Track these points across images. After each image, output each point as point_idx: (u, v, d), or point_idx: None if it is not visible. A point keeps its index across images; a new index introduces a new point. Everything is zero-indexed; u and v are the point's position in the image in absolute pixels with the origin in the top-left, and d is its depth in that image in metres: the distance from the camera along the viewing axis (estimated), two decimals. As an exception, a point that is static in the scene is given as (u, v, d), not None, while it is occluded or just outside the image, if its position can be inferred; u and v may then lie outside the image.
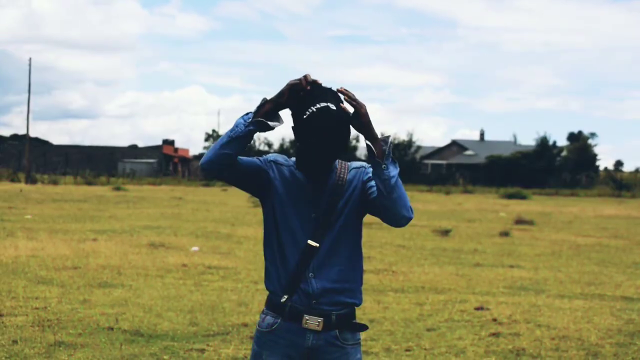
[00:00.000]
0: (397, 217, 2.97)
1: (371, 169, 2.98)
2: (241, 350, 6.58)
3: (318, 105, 2.89)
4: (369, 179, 3.06)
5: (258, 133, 2.96)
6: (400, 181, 2.93)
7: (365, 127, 2.91)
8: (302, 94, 2.93)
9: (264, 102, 2.94)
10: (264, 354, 3.07)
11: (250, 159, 3.05)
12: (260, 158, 3.10)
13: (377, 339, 7.10)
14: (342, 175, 3.07)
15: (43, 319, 7.50)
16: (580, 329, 7.68)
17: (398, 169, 2.92)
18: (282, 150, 71.11)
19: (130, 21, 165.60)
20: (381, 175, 2.90)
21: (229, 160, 2.93)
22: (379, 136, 2.93)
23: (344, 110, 2.93)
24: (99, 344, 6.65)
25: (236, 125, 2.92)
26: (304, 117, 2.90)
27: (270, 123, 2.93)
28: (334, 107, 2.91)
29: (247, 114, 2.95)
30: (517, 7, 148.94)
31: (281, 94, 2.94)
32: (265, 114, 2.93)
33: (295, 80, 2.91)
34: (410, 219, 2.99)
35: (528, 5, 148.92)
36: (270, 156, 3.12)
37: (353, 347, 3.08)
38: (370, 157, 2.93)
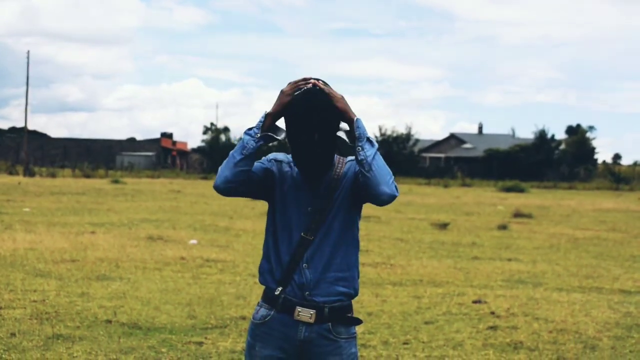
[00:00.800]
0: (376, 192, 2.99)
1: None
2: (239, 343, 6.59)
3: (303, 88, 2.99)
4: None
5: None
6: (380, 159, 2.98)
7: (341, 112, 3.00)
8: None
9: (266, 116, 3.01)
10: (257, 346, 3.09)
11: (257, 164, 3.12)
12: (262, 160, 3.15)
13: (375, 332, 7.10)
14: (338, 170, 3.11)
15: (41, 312, 7.50)
16: (578, 322, 7.70)
17: (376, 146, 2.99)
18: (280, 145, 71.06)
19: (128, 14, 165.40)
20: (358, 157, 2.98)
21: (246, 175, 3.02)
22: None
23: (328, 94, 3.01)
24: (97, 337, 6.66)
25: (246, 142, 2.99)
26: (291, 101, 3.00)
27: (277, 137, 3.04)
28: (317, 89, 2.99)
29: (250, 129, 3.02)
30: (515, 0, 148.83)
31: (281, 104, 3.01)
32: (269, 127, 3.02)
33: (290, 91, 3.01)
34: (391, 195, 3.00)
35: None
36: (270, 155, 3.17)
37: (347, 341, 3.08)
38: (345, 143, 3.03)
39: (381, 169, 2.97)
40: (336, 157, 3.16)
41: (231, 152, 3.02)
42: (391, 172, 3.02)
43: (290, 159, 3.15)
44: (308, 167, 3.06)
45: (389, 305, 8.41)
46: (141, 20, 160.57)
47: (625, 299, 9.16)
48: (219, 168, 3.05)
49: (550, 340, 6.98)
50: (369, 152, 2.96)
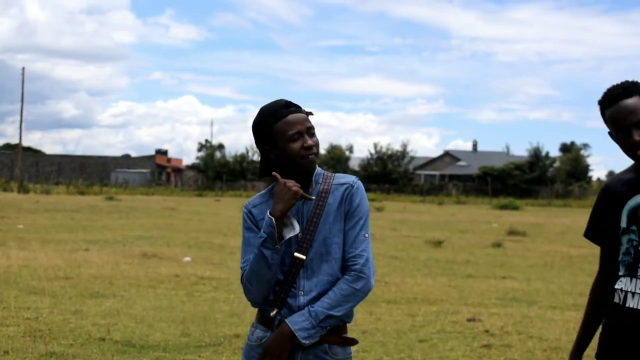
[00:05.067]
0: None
1: (356, 189, 3.02)
2: (233, 361, 6.57)
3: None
4: (351, 212, 3.01)
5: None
6: (336, 310, 2.92)
7: None
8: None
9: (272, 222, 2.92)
10: None
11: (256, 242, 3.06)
12: (248, 230, 3.07)
13: (369, 351, 7.09)
14: (326, 187, 3.05)
15: (34, 329, 7.47)
16: (573, 340, 7.66)
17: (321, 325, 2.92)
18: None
19: (123, 31, 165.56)
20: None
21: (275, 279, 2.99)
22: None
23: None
24: (90, 355, 6.63)
25: (271, 259, 2.91)
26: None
27: (292, 235, 2.95)
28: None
29: (264, 239, 2.92)
30: (510, 18, 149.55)
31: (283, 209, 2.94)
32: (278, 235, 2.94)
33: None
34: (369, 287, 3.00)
35: (521, 16, 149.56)
36: (245, 209, 3.09)
37: None
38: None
39: (349, 306, 2.96)
40: (322, 171, 3.12)
41: (255, 270, 2.94)
42: (352, 299, 2.94)
43: (265, 192, 3.10)
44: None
45: (383, 323, 8.40)
46: (137, 37, 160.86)
47: (619, 317, 9.16)
48: (248, 286, 2.99)
49: (544, 358, 6.97)
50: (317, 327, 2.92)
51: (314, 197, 2.99)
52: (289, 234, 2.94)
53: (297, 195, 2.93)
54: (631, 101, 2.82)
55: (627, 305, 2.94)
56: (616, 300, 3.02)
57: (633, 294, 2.94)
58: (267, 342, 2.94)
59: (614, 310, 3.02)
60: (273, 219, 2.90)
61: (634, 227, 2.93)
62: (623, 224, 2.97)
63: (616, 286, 3.04)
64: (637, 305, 2.91)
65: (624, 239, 2.97)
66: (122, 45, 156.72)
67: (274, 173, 3.02)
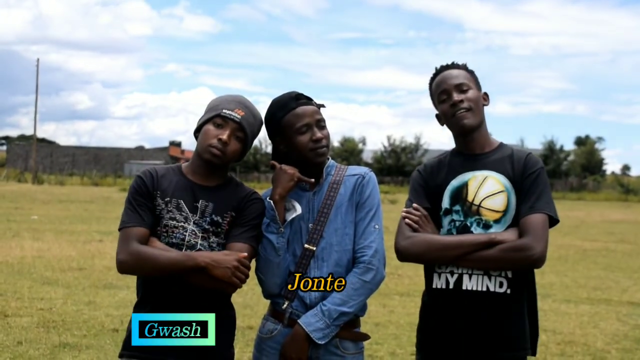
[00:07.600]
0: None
1: (367, 180, 3.01)
2: (246, 353, 6.56)
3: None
4: (361, 203, 3.00)
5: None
6: (354, 303, 2.92)
7: None
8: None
9: (273, 207, 2.94)
10: None
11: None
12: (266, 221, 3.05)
13: (382, 343, 7.08)
14: (337, 178, 3.03)
15: (48, 320, 7.50)
16: (587, 334, 7.65)
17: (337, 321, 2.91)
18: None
19: (138, 23, 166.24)
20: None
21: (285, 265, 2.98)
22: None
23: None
24: (103, 346, 6.65)
25: (277, 243, 2.92)
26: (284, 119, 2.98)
27: (295, 216, 2.95)
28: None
29: (267, 223, 2.94)
30: (525, 11, 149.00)
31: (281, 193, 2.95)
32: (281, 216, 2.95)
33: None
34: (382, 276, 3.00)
35: (536, 9, 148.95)
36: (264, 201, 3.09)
37: (354, 356, 3.00)
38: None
39: (366, 294, 2.95)
40: (334, 163, 3.10)
41: (263, 257, 2.95)
42: (362, 292, 2.93)
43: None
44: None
45: (397, 315, 8.38)
46: (151, 28, 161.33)
47: (634, 311, 9.11)
48: (260, 277, 3.01)
49: (558, 352, 6.94)
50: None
51: (312, 180, 2.98)
52: (290, 216, 2.95)
53: (294, 177, 2.93)
54: (455, 71, 3.10)
55: (464, 288, 2.92)
56: (439, 285, 2.99)
57: (470, 275, 2.93)
58: (284, 347, 2.92)
59: (444, 295, 2.98)
60: (272, 202, 2.92)
61: (457, 207, 2.97)
62: (445, 204, 3.00)
63: (444, 269, 2.98)
64: (476, 287, 2.91)
65: (445, 221, 3.00)
66: (137, 37, 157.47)
67: (271, 162, 3.02)
